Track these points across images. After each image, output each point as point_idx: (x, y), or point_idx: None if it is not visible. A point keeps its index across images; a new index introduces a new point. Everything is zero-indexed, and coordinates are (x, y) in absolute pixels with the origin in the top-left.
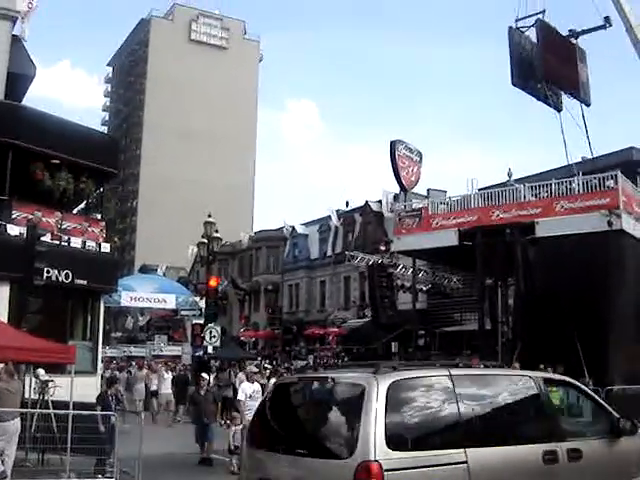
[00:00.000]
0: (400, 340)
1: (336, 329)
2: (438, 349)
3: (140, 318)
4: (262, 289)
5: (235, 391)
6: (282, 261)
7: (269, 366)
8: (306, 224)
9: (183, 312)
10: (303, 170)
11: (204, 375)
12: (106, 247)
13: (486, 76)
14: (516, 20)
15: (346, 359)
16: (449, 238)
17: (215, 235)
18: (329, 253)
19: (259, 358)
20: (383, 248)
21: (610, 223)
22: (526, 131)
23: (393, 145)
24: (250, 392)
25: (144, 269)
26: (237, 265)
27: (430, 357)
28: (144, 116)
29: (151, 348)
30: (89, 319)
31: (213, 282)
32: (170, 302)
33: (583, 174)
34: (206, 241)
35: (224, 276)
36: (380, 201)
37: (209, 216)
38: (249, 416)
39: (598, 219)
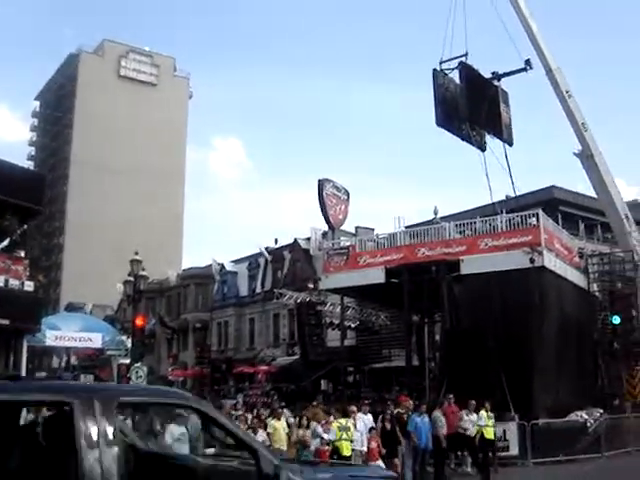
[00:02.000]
0: (329, 377)
1: (265, 367)
2: (368, 386)
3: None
4: (190, 327)
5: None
6: (211, 299)
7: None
8: (235, 261)
9: (109, 352)
10: (231, 207)
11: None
12: (30, 285)
13: (413, 117)
14: (440, 62)
15: (275, 397)
16: (376, 276)
17: (142, 273)
18: (258, 290)
19: None
20: (311, 286)
21: (532, 260)
22: (451, 170)
23: (321, 184)
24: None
25: (70, 307)
26: (165, 303)
27: (360, 394)
28: (71, 151)
29: None
30: (11, 359)
31: (140, 321)
32: (96, 341)
33: (507, 212)
34: (132, 279)
35: (152, 314)
36: (309, 238)
37: (136, 254)
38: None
39: (520, 256)
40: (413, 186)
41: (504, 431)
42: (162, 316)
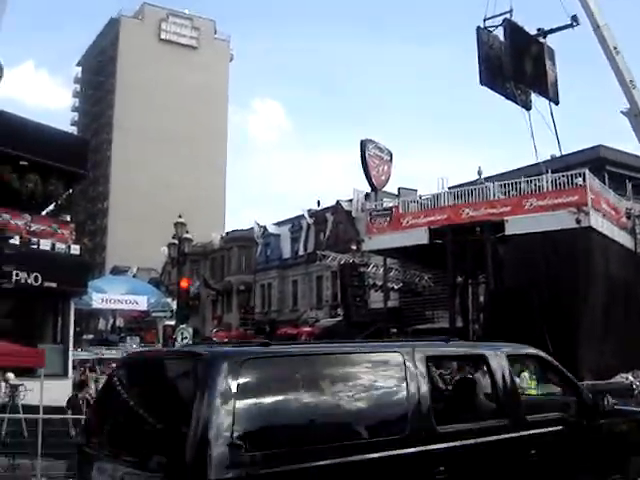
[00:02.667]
0: (372, 339)
1: (309, 328)
2: None
3: (111, 320)
4: (234, 289)
5: None
6: (254, 261)
7: None
8: (278, 224)
9: (155, 314)
10: (273, 170)
11: None
12: (76, 249)
13: (454, 75)
14: (484, 20)
15: None
16: (420, 237)
17: (186, 236)
18: (301, 252)
19: None
20: (354, 247)
21: (578, 220)
22: (496, 130)
23: (363, 144)
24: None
25: (115, 271)
26: (209, 266)
27: None
28: (114, 116)
29: (123, 350)
30: (59, 322)
31: (184, 283)
32: (142, 303)
33: (552, 172)
34: (177, 242)
35: (196, 277)
36: (351, 200)
37: (180, 217)
38: None
39: (566, 217)
40: (457, 147)
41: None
42: (206, 278)
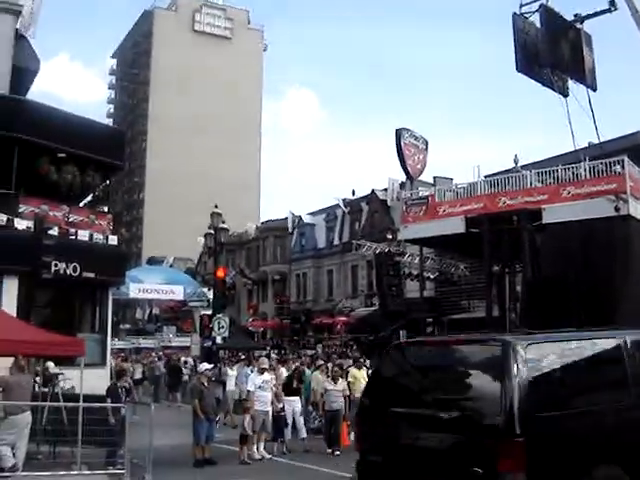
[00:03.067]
0: (408, 328)
1: (344, 318)
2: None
3: (148, 309)
4: (270, 279)
5: (224, 389)
6: (289, 251)
7: (275, 356)
8: (312, 213)
9: (191, 303)
10: (307, 160)
11: (207, 366)
12: (113, 239)
13: (489, 62)
14: (520, 6)
15: (354, 347)
16: (456, 225)
17: (222, 226)
18: (336, 242)
19: (268, 348)
20: (390, 237)
21: (617, 208)
22: (533, 119)
23: (398, 133)
24: (259, 383)
25: (152, 261)
26: (245, 255)
27: None
28: (149, 108)
29: (160, 339)
30: (97, 311)
31: (221, 273)
32: (178, 293)
33: (590, 159)
34: (213, 232)
35: (232, 266)
36: (386, 189)
37: (215, 207)
38: (258, 406)
39: (605, 204)
40: (493, 135)
41: None
42: (242, 268)
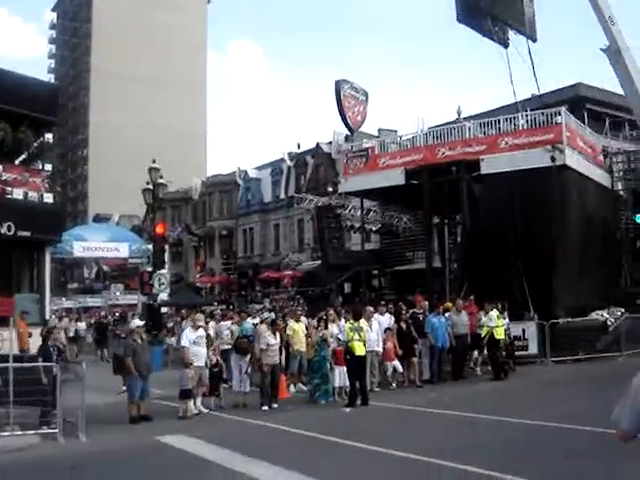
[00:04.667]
0: (353, 281)
1: (291, 272)
2: (391, 289)
3: (95, 268)
4: (216, 234)
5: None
6: (236, 206)
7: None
8: (258, 168)
9: (132, 260)
10: (255, 113)
11: (139, 322)
12: (49, 197)
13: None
14: None
15: (301, 301)
16: (396, 177)
17: (160, 181)
18: (282, 196)
19: (215, 304)
20: (331, 189)
21: (553, 158)
22: (478, 71)
23: (338, 85)
24: (194, 338)
25: (97, 219)
26: (191, 211)
27: (382, 297)
28: (91, 62)
29: (107, 298)
30: (35, 271)
31: (160, 229)
32: (123, 251)
33: (531, 111)
34: (151, 187)
35: (178, 223)
36: (331, 142)
37: (153, 162)
38: (197, 362)
39: (542, 155)
40: (439, 89)
41: (523, 330)
42: (188, 224)
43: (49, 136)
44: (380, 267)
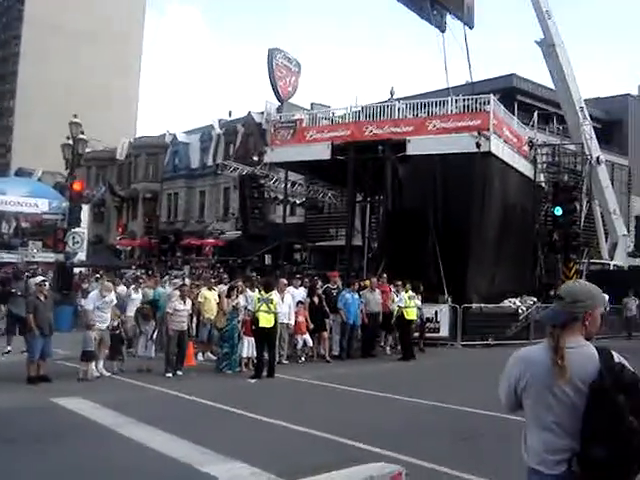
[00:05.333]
0: (275, 253)
1: (213, 240)
2: (313, 263)
3: (14, 223)
4: (140, 197)
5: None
6: (162, 169)
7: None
8: (188, 132)
9: (46, 216)
10: (188, 78)
11: (41, 278)
12: None
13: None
14: None
15: (221, 270)
16: (322, 152)
17: (80, 137)
18: (210, 163)
19: (134, 267)
20: (256, 158)
21: (478, 145)
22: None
23: (270, 53)
24: (99, 303)
25: (20, 173)
26: (116, 172)
27: (303, 271)
28: (25, 11)
29: (23, 254)
30: None
31: (77, 186)
32: (42, 207)
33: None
34: (71, 143)
35: (102, 182)
36: (263, 112)
37: (75, 116)
38: (100, 324)
39: (468, 140)
40: (379, 71)
41: (436, 313)
42: (112, 184)
43: None
44: (303, 241)
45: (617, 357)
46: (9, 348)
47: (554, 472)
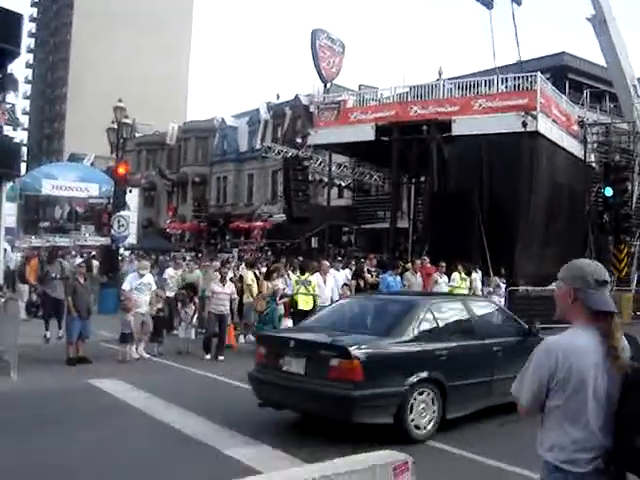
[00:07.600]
0: (323, 236)
1: (261, 223)
2: (360, 246)
3: (68, 208)
4: (190, 181)
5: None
6: (211, 153)
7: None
8: (236, 116)
9: (92, 200)
10: (239, 61)
11: (79, 261)
12: (8, 130)
13: None
14: None
15: (269, 253)
16: (366, 133)
17: (125, 121)
18: (258, 146)
19: (183, 250)
20: (300, 141)
21: (525, 124)
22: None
23: (314, 34)
24: (136, 284)
25: (72, 158)
26: (165, 156)
27: (350, 254)
28: None
29: (75, 238)
30: None
31: (122, 169)
32: (93, 191)
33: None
34: (116, 127)
35: (152, 166)
36: (310, 95)
37: (119, 101)
38: (138, 308)
39: (514, 119)
40: (429, 51)
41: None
42: (161, 168)
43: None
44: (349, 224)
45: None
46: (48, 334)
47: (581, 470)
